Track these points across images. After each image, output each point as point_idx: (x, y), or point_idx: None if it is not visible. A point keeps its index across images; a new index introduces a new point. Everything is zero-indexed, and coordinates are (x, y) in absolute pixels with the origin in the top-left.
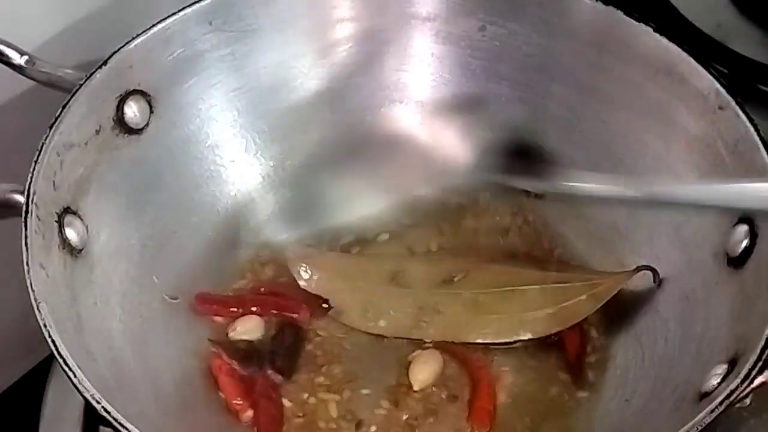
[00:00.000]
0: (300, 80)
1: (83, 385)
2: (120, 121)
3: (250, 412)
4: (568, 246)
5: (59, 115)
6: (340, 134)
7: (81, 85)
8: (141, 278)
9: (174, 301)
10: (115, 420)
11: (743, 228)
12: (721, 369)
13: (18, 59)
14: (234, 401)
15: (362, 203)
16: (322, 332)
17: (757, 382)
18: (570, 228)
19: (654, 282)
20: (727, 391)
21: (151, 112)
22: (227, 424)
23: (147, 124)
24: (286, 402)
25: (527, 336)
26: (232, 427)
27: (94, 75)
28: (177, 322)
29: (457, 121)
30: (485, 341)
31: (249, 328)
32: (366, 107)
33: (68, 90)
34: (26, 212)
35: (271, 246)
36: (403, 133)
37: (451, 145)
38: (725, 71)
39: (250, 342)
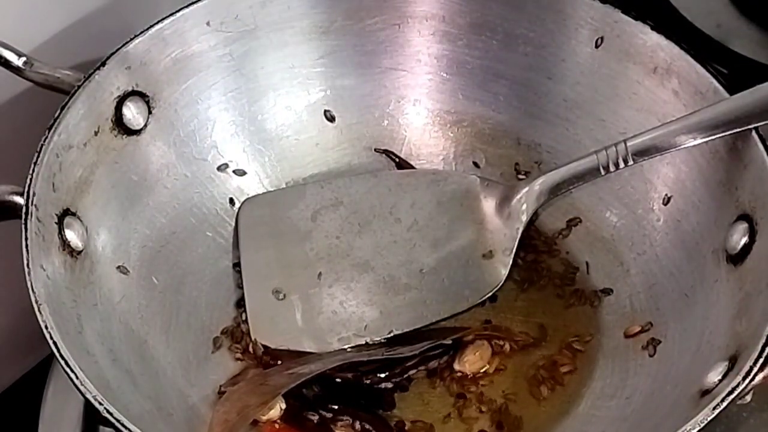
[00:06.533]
0: (298, 80)
1: (85, 386)
2: (119, 122)
3: None
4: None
5: (58, 117)
6: (337, 134)
7: (79, 86)
8: (140, 279)
9: None
10: (118, 421)
11: (742, 225)
12: (722, 366)
13: (16, 61)
14: None
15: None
16: None
17: (758, 378)
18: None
19: None
20: (729, 389)
21: (150, 113)
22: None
23: (145, 125)
24: None
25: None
26: None
27: (92, 76)
28: (177, 322)
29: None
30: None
31: None
32: (364, 107)
33: (66, 91)
34: (26, 214)
35: None
36: (401, 132)
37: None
38: (725, 71)
39: None
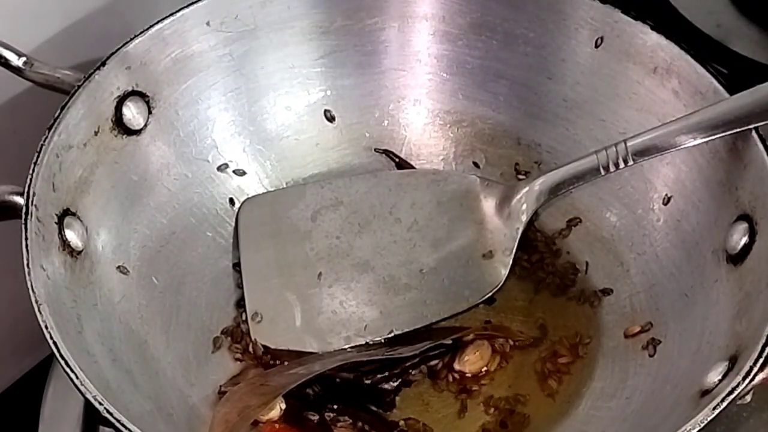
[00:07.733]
0: (298, 80)
1: (85, 386)
2: (119, 122)
3: None
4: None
5: (58, 117)
6: (338, 134)
7: (79, 86)
8: (140, 279)
9: None
10: (118, 421)
11: (742, 225)
12: (722, 366)
13: (16, 61)
14: None
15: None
16: None
17: (758, 378)
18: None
19: None
20: (729, 389)
21: (150, 112)
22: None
23: (145, 125)
24: None
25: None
26: None
27: (92, 76)
28: (177, 322)
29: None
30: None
31: None
32: (364, 107)
33: (66, 91)
34: (26, 214)
35: None
36: (401, 132)
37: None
38: (725, 71)
39: None
